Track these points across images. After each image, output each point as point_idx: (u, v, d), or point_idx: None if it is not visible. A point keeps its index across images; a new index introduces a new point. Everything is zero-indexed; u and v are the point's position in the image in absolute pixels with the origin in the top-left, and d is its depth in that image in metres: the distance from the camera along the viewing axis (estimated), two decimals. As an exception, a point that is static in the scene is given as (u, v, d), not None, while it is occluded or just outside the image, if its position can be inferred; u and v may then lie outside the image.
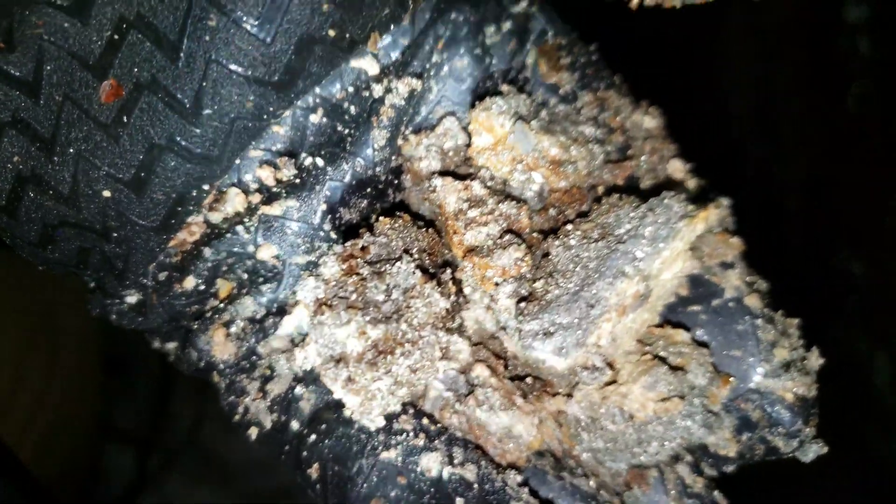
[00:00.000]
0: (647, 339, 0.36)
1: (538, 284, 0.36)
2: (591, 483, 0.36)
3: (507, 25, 0.39)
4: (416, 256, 0.35)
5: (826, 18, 1.37)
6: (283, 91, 0.33)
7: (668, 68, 1.55)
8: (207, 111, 0.32)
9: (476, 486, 0.33)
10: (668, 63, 1.56)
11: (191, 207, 0.36)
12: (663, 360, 0.35)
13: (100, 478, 1.68)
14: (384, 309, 0.33)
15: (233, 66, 0.31)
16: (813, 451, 0.38)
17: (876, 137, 1.31)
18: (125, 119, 0.32)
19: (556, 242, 0.36)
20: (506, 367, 0.38)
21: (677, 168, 0.41)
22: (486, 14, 0.37)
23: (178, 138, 0.33)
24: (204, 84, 0.31)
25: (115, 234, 0.36)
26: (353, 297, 0.33)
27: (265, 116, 0.34)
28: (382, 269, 0.34)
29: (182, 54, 0.30)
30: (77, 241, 0.37)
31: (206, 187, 0.35)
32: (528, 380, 0.37)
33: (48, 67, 0.31)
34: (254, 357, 0.40)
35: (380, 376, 0.33)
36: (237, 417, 0.40)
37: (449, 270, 0.37)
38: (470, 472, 0.34)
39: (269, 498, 1.84)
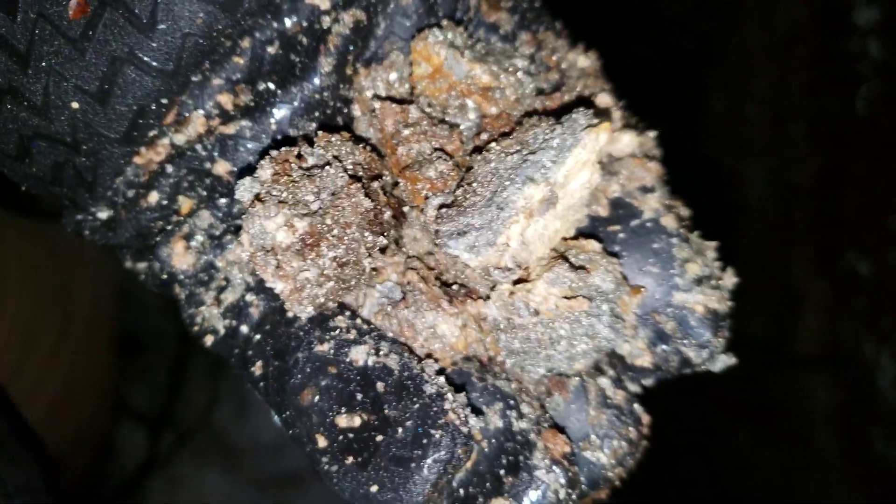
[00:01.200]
0: (560, 248, 0.38)
1: (458, 192, 0.38)
2: (513, 385, 0.38)
3: None
4: (348, 166, 0.37)
5: (837, 20, 1.38)
6: (228, 11, 0.36)
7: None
8: (162, 26, 0.35)
9: (396, 372, 0.35)
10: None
11: (151, 121, 0.38)
12: (569, 262, 0.37)
13: (111, 455, 1.72)
14: (312, 207, 0.36)
15: None
16: (721, 361, 0.40)
17: (885, 138, 1.31)
18: (90, 34, 0.35)
19: (479, 157, 0.38)
20: (437, 277, 0.40)
21: (606, 101, 0.43)
22: None
23: (137, 52, 0.35)
24: (158, 1, 0.34)
25: (84, 147, 0.39)
26: (284, 195, 0.36)
27: (215, 34, 0.36)
28: (314, 173, 0.36)
29: None
30: (51, 155, 0.40)
31: (164, 101, 0.38)
32: (455, 287, 0.39)
33: None
34: (211, 270, 0.42)
35: (307, 266, 0.35)
36: (196, 329, 0.42)
37: (379, 182, 0.39)
38: (393, 361, 0.36)
39: (277, 482, 1.87)
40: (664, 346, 0.39)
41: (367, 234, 0.35)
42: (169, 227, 0.41)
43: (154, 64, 0.35)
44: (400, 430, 0.34)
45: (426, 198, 0.39)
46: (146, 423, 1.82)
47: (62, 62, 0.36)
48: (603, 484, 0.38)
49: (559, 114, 0.38)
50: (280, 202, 0.35)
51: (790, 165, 1.60)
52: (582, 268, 0.36)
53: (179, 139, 0.39)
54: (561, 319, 0.36)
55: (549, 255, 0.37)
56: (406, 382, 0.35)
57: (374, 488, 0.34)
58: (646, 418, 0.40)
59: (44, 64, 0.36)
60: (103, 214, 0.41)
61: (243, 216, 0.36)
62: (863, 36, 1.34)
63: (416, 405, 0.35)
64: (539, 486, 0.36)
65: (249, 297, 0.39)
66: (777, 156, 1.64)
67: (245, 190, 0.36)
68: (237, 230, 0.41)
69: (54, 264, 1.11)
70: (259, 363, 0.38)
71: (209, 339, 0.41)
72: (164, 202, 0.40)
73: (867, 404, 1.44)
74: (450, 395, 0.36)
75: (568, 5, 0.47)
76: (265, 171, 0.36)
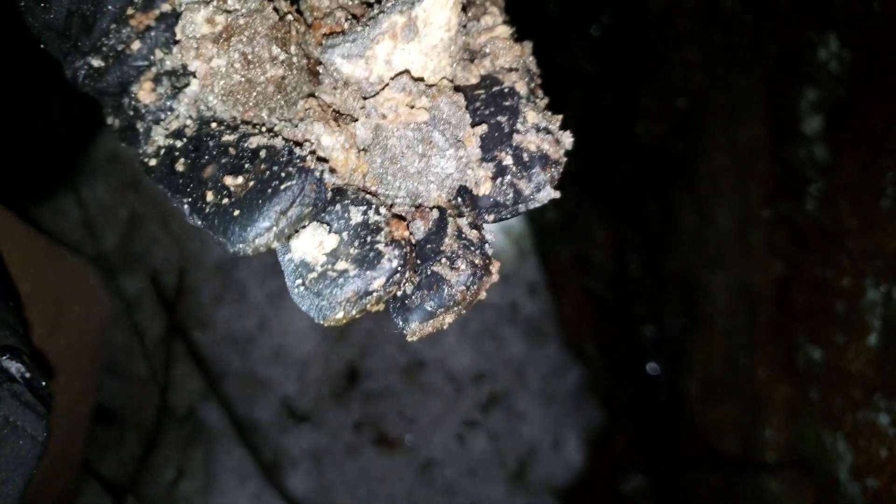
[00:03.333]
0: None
1: (346, 26, 0.47)
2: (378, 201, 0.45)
3: None
4: None
5: (788, 132, 1.53)
6: None
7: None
8: None
9: (279, 147, 0.43)
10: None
11: None
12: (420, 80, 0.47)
13: (72, 515, 1.71)
14: (232, 12, 0.47)
15: None
16: (547, 192, 0.46)
17: (830, 230, 1.42)
18: None
19: (372, 5, 0.50)
20: (333, 109, 0.50)
21: (496, 13, 0.55)
22: None
23: None
24: None
25: None
26: (213, 4, 0.47)
27: None
28: None
29: None
30: (65, 2, 0.49)
31: None
32: (345, 117, 0.47)
33: None
34: (168, 111, 0.52)
35: (220, 55, 0.44)
36: (145, 158, 0.51)
37: (293, 17, 0.50)
38: (279, 142, 0.43)
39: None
40: (503, 179, 0.47)
41: (273, 44, 0.46)
42: (143, 71, 0.52)
43: None
44: (267, 173, 0.42)
45: (326, 36, 0.50)
46: (111, 491, 1.82)
47: None
48: (449, 301, 0.44)
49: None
50: (208, 3, 0.46)
51: (753, 273, 1.69)
52: (430, 87, 0.47)
53: (167, 6, 0.49)
54: (404, 127, 0.44)
55: None
56: (283, 150, 0.43)
57: (236, 213, 0.42)
58: (496, 263, 0.46)
59: None
60: (96, 63, 0.51)
61: (181, 13, 0.47)
62: (809, 143, 1.48)
63: (284, 158, 0.43)
64: (379, 258, 0.42)
65: (188, 122, 0.49)
66: (741, 265, 1.74)
67: (188, 1, 0.48)
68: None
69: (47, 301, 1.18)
70: (181, 160, 0.46)
71: (152, 161, 0.50)
72: (144, 52, 0.50)
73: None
74: (313, 157, 0.44)
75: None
76: None
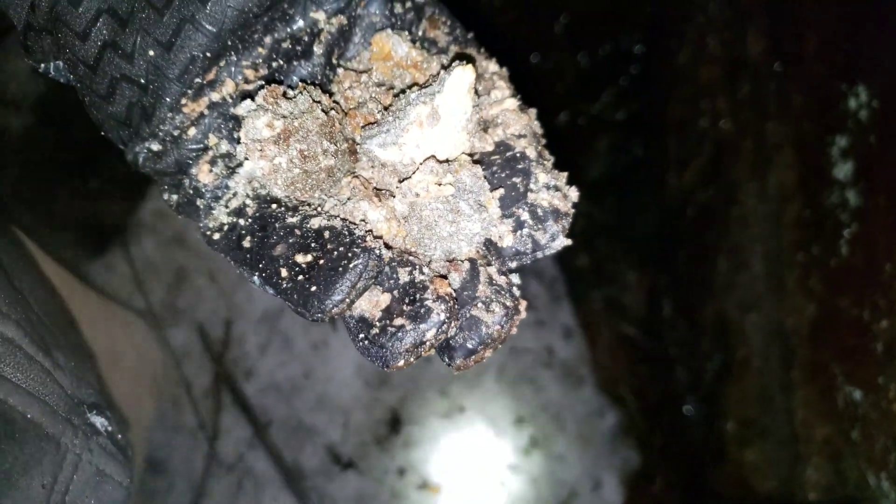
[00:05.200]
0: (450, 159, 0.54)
1: (378, 116, 0.54)
2: (420, 260, 0.51)
3: (408, 5, 0.59)
4: (315, 98, 0.53)
5: (819, 178, 1.58)
6: (266, 9, 0.54)
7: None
8: (210, 3, 0.52)
9: (338, 227, 0.50)
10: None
11: (198, 69, 0.54)
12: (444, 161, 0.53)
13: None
14: (287, 116, 0.53)
15: None
16: (560, 242, 0.54)
17: (864, 274, 1.45)
18: (170, 5, 0.52)
19: (399, 97, 0.57)
20: (373, 186, 0.54)
21: (503, 86, 0.62)
22: None
23: (196, 15, 0.52)
24: None
25: (150, 87, 0.54)
26: (270, 108, 0.53)
27: (246, 12, 0.54)
28: (290, 98, 0.52)
29: None
30: (127, 96, 0.55)
31: (208, 55, 0.53)
32: (383, 191, 0.53)
33: None
34: (225, 188, 0.58)
35: (281, 153, 0.50)
36: (208, 232, 0.55)
37: (336, 112, 0.54)
38: (337, 222, 0.50)
39: None
40: (521, 231, 0.55)
41: (323, 139, 0.53)
42: (199, 155, 0.58)
43: (205, 25, 0.53)
44: (335, 253, 0.50)
45: (362, 128, 0.57)
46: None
47: (148, 23, 0.54)
48: (488, 339, 0.52)
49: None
50: (266, 111, 0.53)
51: (787, 315, 1.73)
52: (453, 162, 0.54)
53: (216, 96, 0.56)
54: (434, 201, 0.52)
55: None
56: (344, 231, 0.51)
57: (313, 289, 0.49)
58: (523, 302, 0.55)
59: (137, 25, 0.54)
60: (155, 147, 0.57)
61: (243, 120, 0.54)
62: (841, 188, 1.52)
63: (347, 240, 0.50)
64: (429, 313, 0.49)
65: (248, 202, 0.56)
66: (774, 307, 1.77)
67: (244, 107, 0.55)
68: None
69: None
70: (248, 238, 0.53)
71: (216, 235, 0.57)
72: (199, 136, 0.57)
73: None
74: (371, 236, 0.51)
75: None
76: (260, 97, 0.55)
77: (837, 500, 1.58)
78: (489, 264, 0.54)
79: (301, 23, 0.57)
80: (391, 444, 1.97)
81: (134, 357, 1.37)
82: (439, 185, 0.52)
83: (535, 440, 2.01)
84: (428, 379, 1.97)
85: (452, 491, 1.95)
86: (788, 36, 1.69)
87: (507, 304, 0.52)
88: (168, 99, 0.55)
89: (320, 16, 0.57)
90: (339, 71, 0.59)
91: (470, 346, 0.52)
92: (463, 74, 0.53)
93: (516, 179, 0.56)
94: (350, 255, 0.49)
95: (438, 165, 0.52)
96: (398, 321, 0.49)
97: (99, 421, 0.76)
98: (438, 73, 0.57)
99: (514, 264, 0.56)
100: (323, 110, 0.54)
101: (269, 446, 1.91)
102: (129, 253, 2.01)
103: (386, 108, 0.57)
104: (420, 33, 0.61)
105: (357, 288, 0.49)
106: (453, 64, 0.54)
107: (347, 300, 0.49)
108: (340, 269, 0.49)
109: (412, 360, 0.50)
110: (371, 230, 0.52)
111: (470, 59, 0.60)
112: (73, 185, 1.98)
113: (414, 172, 0.53)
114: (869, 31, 1.41)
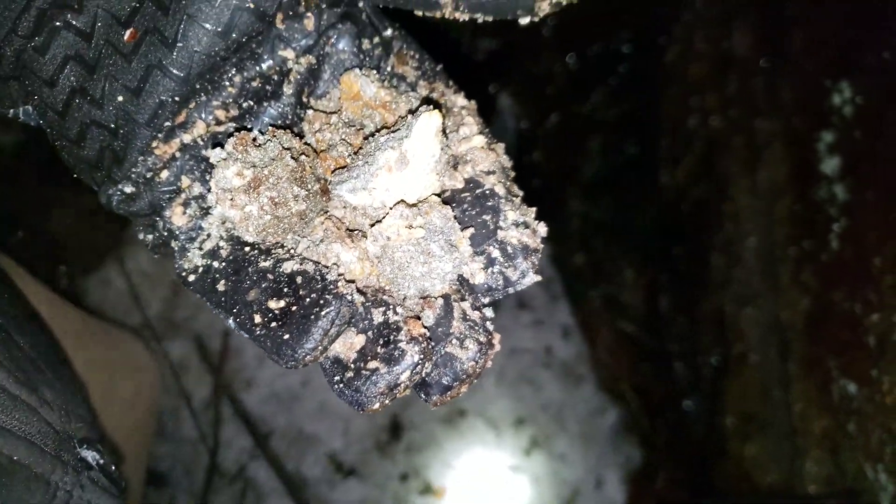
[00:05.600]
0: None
1: (349, 160, 0.55)
2: (394, 300, 0.52)
3: (376, 40, 0.59)
4: (285, 144, 0.53)
5: (808, 173, 1.58)
6: (225, 44, 0.54)
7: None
8: (180, 44, 0.52)
9: (311, 272, 0.51)
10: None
11: (168, 113, 0.54)
12: (413, 205, 0.53)
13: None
14: (257, 164, 0.53)
15: (203, 23, 0.53)
16: (529, 278, 0.54)
17: (855, 267, 1.46)
18: (137, 50, 0.53)
19: (369, 141, 0.57)
20: (345, 227, 0.54)
21: (471, 122, 0.62)
22: (364, 31, 0.58)
23: (164, 61, 0.52)
24: (181, 27, 0.52)
25: (121, 132, 0.54)
26: (240, 156, 0.53)
27: (213, 56, 0.54)
28: (260, 145, 0.52)
29: (170, 10, 0.52)
30: (98, 140, 0.55)
31: (177, 99, 0.54)
32: (355, 232, 0.54)
33: (98, 24, 0.53)
34: (199, 229, 0.59)
35: (251, 202, 0.51)
36: (184, 273, 0.56)
37: (306, 158, 0.54)
38: (310, 266, 0.50)
39: None
40: (492, 268, 0.55)
41: (294, 185, 0.53)
42: (172, 196, 0.58)
43: (173, 70, 0.54)
44: (307, 300, 0.50)
45: (333, 171, 0.57)
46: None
47: (116, 69, 0.54)
48: (463, 375, 0.52)
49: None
50: (236, 159, 0.53)
51: (782, 309, 1.73)
52: (423, 203, 0.54)
53: (187, 138, 0.56)
54: (406, 244, 0.52)
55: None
56: (316, 276, 0.51)
57: (286, 336, 0.49)
58: (497, 336, 0.55)
59: (105, 71, 0.55)
60: (128, 189, 0.57)
61: (213, 169, 0.54)
62: (830, 183, 1.53)
63: (320, 285, 0.50)
64: (403, 355, 0.49)
65: (222, 244, 0.56)
66: (770, 301, 1.78)
67: (216, 155, 0.55)
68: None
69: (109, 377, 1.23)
70: (222, 282, 0.54)
71: (192, 277, 0.57)
72: (171, 179, 0.57)
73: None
74: (343, 281, 0.51)
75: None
76: (229, 144, 0.55)
77: (837, 492, 1.59)
78: (463, 299, 0.55)
79: (270, 62, 0.57)
80: (393, 449, 1.98)
81: (130, 384, 1.37)
82: (410, 228, 0.52)
83: (536, 440, 2.02)
84: (426, 384, 1.98)
85: (456, 494, 1.96)
86: (774, 32, 1.69)
87: (481, 339, 0.53)
88: (139, 143, 0.56)
89: (289, 54, 0.58)
90: (309, 112, 0.59)
91: (445, 382, 0.52)
92: (429, 120, 0.53)
93: (486, 217, 0.56)
94: (322, 302, 0.49)
95: (408, 209, 0.53)
96: (372, 364, 0.49)
97: (90, 455, 0.77)
98: (406, 116, 0.58)
99: (486, 300, 0.56)
100: (293, 156, 0.54)
101: (271, 456, 1.92)
102: (125, 267, 2.02)
103: (356, 151, 0.58)
104: (389, 69, 0.62)
105: (329, 335, 0.49)
106: (420, 108, 0.54)
107: (320, 347, 0.49)
108: (312, 316, 0.49)
109: (387, 402, 0.50)
110: (343, 273, 0.52)
111: (436, 104, 0.60)
112: (66, 200, 1.99)
113: (384, 217, 0.53)
114: (853, 30, 1.41)
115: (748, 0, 1.79)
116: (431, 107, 0.55)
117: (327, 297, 0.50)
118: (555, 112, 2.14)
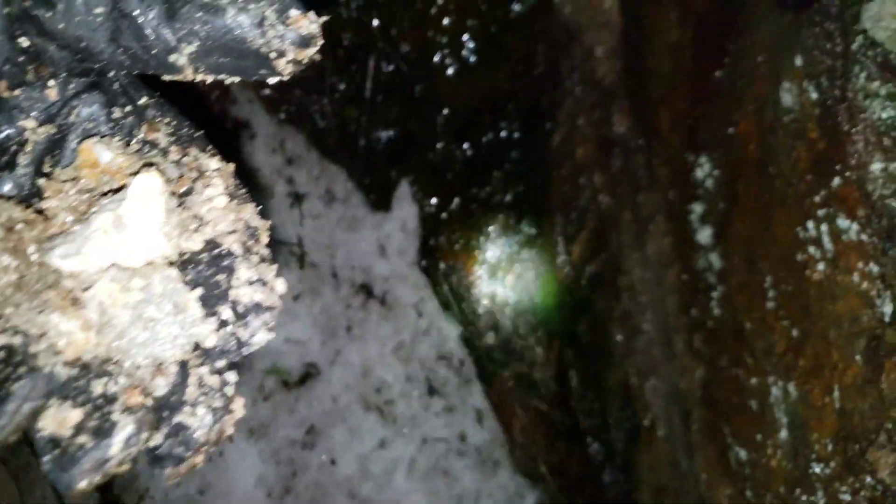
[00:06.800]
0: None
1: (70, 226, 0.53)
2: (116, 370, 0.49)
3: (129, 109, 0.58)
4: (1, 218, 0.52)
5: (686, 243, 1.63)
6: None
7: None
8: None
9: (14, 348, 0.48)
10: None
11: None
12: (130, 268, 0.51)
13: None
14: None
15: None
16: (261, 338, 0.53)
17: (732, 330, 1.50)
18: None
19: (93, 205, 0.54)
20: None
21: (219, 184, 0.61)
22: (115, 100, 0.57)
23: None
24: None
25: None
26: None
27: None
28: None
29: None
30: None
31: None
32: (80, 300, 0.51)
33: None
34: None
35: None
36: None
37: (28, 226, 0.53)
38: (17, 339, 0.48)
39: None
40: (224, 329, 0.53)
41: (3, 255, 0.50)
42: None
43: None
44: (1, 375, 0.47)
45: (47, 239, 0.54)
46: None
47: None
48: (196, 445, 0.51)
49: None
50: None
51: (680, 378, 1.76)
52: (147, 266, 0.53)
53: None
54: (123, 308, 0.51)
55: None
56: (20, 350, 0.48)
57: None
58: (239, 400, 0.53)
59: None
60: None
61: None
62: (706, 252, 1.58)
63: (19, 358, 0.48)
64: (113, 427, 0.48)
65: None
66: (669, 371, 1.80)
67: None
68: None
69: None
70: None
71: None
72: None
73: None
74: (48, 353, 0.49)
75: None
76: None
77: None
78: (203, 364, 0.53)
79: (9, 132, 0.56)
80: (299, 556, 1.92)
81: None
82: (126, 291, 0.51)
83: (453, 533, 1.97)
84: (334, 482, 1.93)
85: None
86: (646, 112, 1.77)
87: (216, 405, 0.52)
88: None
89: (29, 124, 0.56)
90: (43, 181, 0.57)
91: (177, 453, 0.50)
92: (146, 181, 0.52)
93: (220, 277, 0.55)
94: (14, 377, 0.47)
95: (122, 272, 0.51)
96: (81, 439, 0.47)
97: None
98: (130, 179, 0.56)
99: (223, 363, 0.55)
100: (8, 227, 0.52)
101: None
102: None
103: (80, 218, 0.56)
104: (141, 135, 0.60)
105: (22, 412, 0.47)
106: (140, 170, 0.54)
107: (12, 425, 0.46)
108: (4, 392, 0.47)
109: (98, 479, 0.47)
110: (58, 344, 0.50)
111: (155, 165, 0.60)
112: None
113: (97, 281, 0.52)
114: (704, 104, 1.49)
115: (622, 83, 1.88)
116: (151, 168, 0.54)
117: (20, 371, 0.47)
118: (456, 197, 2.19)
